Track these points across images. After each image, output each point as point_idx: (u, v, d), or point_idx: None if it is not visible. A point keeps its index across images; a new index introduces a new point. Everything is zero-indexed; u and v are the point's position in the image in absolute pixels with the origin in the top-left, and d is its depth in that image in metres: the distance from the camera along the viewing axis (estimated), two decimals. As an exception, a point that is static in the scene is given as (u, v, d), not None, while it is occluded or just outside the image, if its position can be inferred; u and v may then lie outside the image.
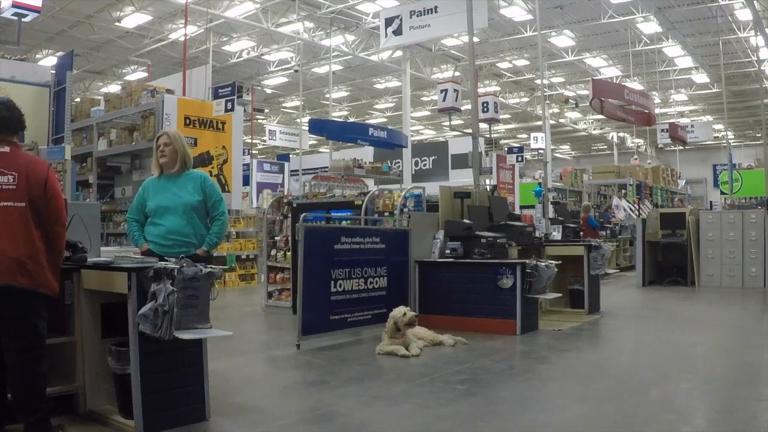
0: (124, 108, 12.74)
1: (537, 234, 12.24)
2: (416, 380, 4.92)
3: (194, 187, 4.54)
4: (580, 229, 14.15)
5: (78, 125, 13.56)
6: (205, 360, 3.81)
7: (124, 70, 23.77)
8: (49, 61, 19.17)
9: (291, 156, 24.18)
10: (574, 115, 32.87)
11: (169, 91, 12.82)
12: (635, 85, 21.18)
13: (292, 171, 22.79)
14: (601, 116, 17.80)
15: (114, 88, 21.70)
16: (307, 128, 17.39)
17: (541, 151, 19.73)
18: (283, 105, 30.84)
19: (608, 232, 16.33)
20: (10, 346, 3.36)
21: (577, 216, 15.09)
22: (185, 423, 3.65)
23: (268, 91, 27.55)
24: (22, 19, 9.99)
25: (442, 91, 9.54)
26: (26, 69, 11.41)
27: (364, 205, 8.60)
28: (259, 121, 28.63)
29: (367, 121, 29.33)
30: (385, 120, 31.46)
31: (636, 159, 28.89)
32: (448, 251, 7.51)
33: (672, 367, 5.48)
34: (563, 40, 21.39)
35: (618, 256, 16.68)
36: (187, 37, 16.07)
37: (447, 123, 10.16)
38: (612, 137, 36.49)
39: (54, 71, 11.79)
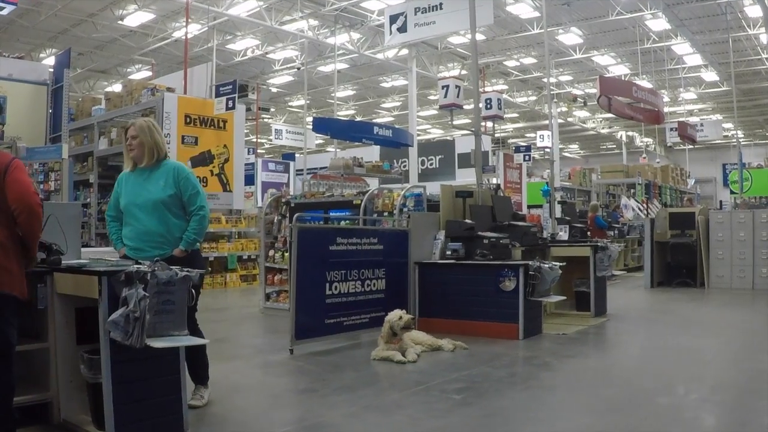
0: (125, 107, 12.64)
1: (544, 234, 12.07)
2: (411, 389, 4.70)
3: (166, 180, 4.12)
4: (588, 229, 13.91)
5: (79, 124, 13.49)
6: (182, 368, 3.60)
7: (128, 69, 23.69)
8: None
9: (296, 155, 24.01)
10: (583, 113, 32.55)
11: (170, 90, 12.68)
12: (644, 83, 20.89)
13: (297, 170, 22.61)
14: (609, 115, 17.59)
15: (118, 87, 21.60)
16: (311, 127, 17.23)
17: (548, 150, 19.46)
18: (289, 104, 30.70)
19: (616, 232, 16.06)
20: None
21: (585, 216, 14.83)
22: (160, 435, 3.44)
23: (274, 90, 27.41)
24: (0, 12, 9.87)
25: (443, 87, 9.47)
26: (24, 67, 11.31)
27: (362, 205, 8.41)
28: (265, 120, 28.49)
29: (373, 120, 29.12)
30: (392, 119, 31.26)
31: (645, 158, 28.60)
32: (449, 252, 7.30)
33: (681, 374, 5.24)
34: (571, 37, 21.08)
35: (626, 256, 16.41)
36: (191, 36, 15.93)
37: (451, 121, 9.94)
38: (621, 136, 36.14)
39: (52, 69, 11.68)
